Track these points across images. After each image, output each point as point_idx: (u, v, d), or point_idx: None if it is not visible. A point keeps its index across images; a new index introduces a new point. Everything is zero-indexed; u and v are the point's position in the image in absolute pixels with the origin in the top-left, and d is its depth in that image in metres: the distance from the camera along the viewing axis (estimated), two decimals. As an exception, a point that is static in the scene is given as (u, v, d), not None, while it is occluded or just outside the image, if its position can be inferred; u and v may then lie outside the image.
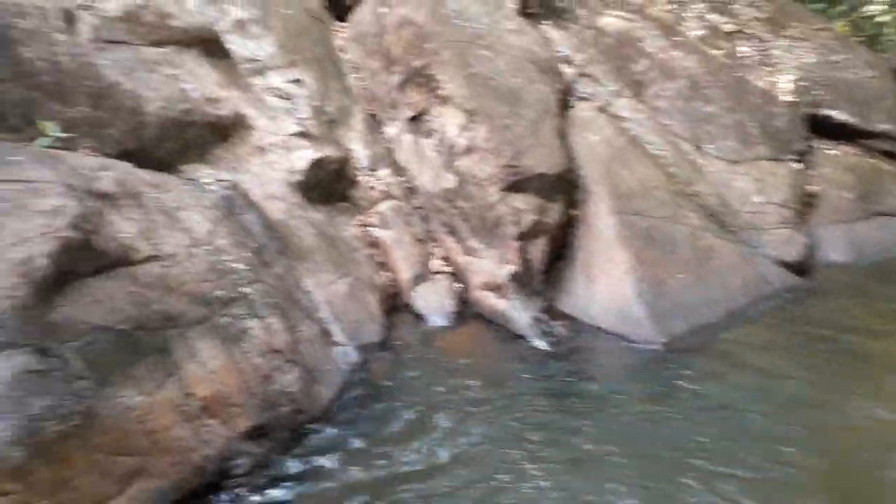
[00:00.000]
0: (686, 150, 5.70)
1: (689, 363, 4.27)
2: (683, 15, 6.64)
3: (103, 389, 2.96)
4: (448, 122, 4.98)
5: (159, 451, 3.07)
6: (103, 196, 3.51)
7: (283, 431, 3.54)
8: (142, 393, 3.09)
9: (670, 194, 5.25)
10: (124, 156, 4.12)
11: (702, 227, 5.20)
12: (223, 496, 3.20)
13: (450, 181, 4.94)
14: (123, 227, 3.48)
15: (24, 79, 4.05)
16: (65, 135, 3.94)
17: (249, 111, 4.95)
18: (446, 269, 5.01)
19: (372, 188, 5.21)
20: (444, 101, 5.02)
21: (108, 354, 3.04)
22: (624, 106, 5.77)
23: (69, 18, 4.53)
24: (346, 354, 4.20)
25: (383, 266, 4.93)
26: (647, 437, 3.62)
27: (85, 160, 3.79)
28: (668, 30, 6.39)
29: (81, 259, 3.18)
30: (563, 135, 5.13)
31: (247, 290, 3.85)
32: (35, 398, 2.72)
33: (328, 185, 5.01)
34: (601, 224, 4.92)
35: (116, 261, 3.34)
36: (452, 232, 5.03)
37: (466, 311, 4.83)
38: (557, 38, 6.01)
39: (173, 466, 3.10)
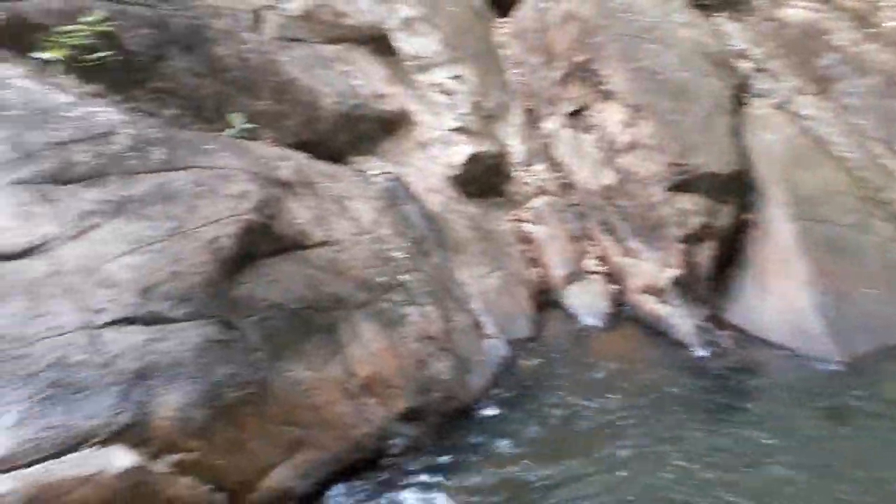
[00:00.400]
0: (878, 152, 5.13)
1: (873, 385, 3.87)
2: (880, 3, 5.99)
3: (276, 363, 3.17)
4: (610, 117, 4.85)
5: (322, 424, 3.24)
6: (283, 184, 3.78)
7: (435, 416, 3.62)
8: (309, 369, 3.28)
9: (858, 200, 4.77)
10: (300, 147, 4.40)
11: (894, 237, 4.68)
12: (378, 474, 3.31)
13: (610, 178, 4.81)
14: (299, 214, 3.72)
15: (218, 74, 4.44)
16: (250, 126, 4.28)
17: (413, 107, 5.11)
18: (602, 268, 4.88)
19: (527, 183, 5.19)
20: (608, 95, 4.89)
21: (282, 331, 3.26)
22: (806, 103, 5.30)
23: (257, 18, 4.92)
24: (496, 347, 4.22)
25: (535, 262, 4.90)
26: (823, 461, 3.32)
27: (267, 150, 4.10)
28: (862, 20, 5.79)
29: (262, 241, 3.43)
30: (736, 133, 4.82)
31: (406, 277, 3.98)
32: (218, 366, 2.96)
33: (484, 179, 5.06)
34: (778, 230, 4.56)
35: (292, 244, 3.58)
36: (610, 231, 4.89)
37: (621, 313, 4.68)
38: (732, 30, 5.66)
39: (334, 440, 3.27)
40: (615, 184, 4.79)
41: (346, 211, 4.06)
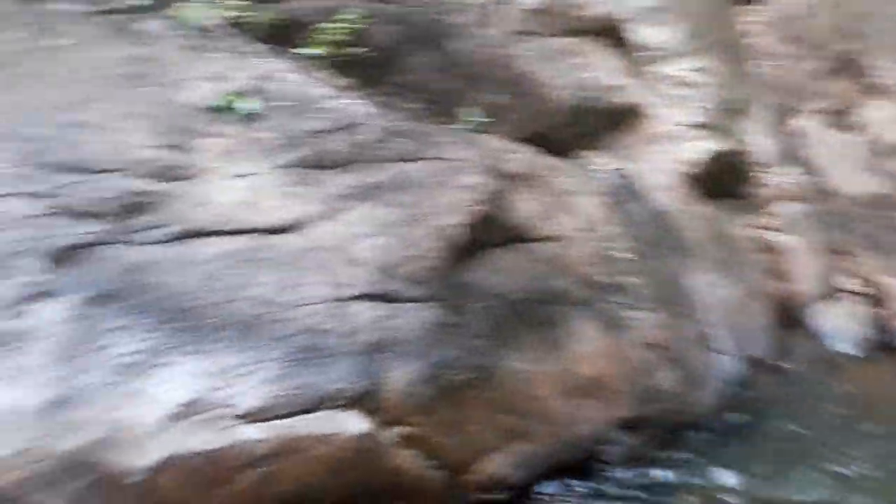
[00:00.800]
0: None
1: None
2: None
3: (497, 350, 3.20)
4: (882, 115, 4.31)
5: (539, 418, 3.22)
6: (511, 176, 3.82)
7: (656, 428, 3.45)
8: (529, 360, 3.26)
9: None
10: (528, 140, 4.39)
11: None
12: (591, 477, 3.23)
13: (878, 185, 4.28)
14: (526, 207, 3.74)
15: (453, 69, 4.59)
16: (480, 120, 4.38)
17: (645, 100, 4.88)
18: (862, 288, 4.33)
19: (771, 186, 4.73)
20: (879, 91, 4.34)
21: (505, 320, 3.28)
22: None
23: (489, 13, 5.01)
24: (729, 363, 3.91)
25: (779, 275, 4.45)
26: None
27: (497, 143, 4.15)
28: None
29: (490, 231, 3.49)
30: None
31: (630, 279, 3.82)
32: (444, 347, 3.04)
33: (722, 179, 4.69)
34: None
35: (518, 236, 3.61)
36: (876, 246, 4.33)
37: (884, 341, 4.12)
38: None
39: (549, 436, 3.23)
40: (886, 192, 4.24)
41: (571, 206, 4.01)
